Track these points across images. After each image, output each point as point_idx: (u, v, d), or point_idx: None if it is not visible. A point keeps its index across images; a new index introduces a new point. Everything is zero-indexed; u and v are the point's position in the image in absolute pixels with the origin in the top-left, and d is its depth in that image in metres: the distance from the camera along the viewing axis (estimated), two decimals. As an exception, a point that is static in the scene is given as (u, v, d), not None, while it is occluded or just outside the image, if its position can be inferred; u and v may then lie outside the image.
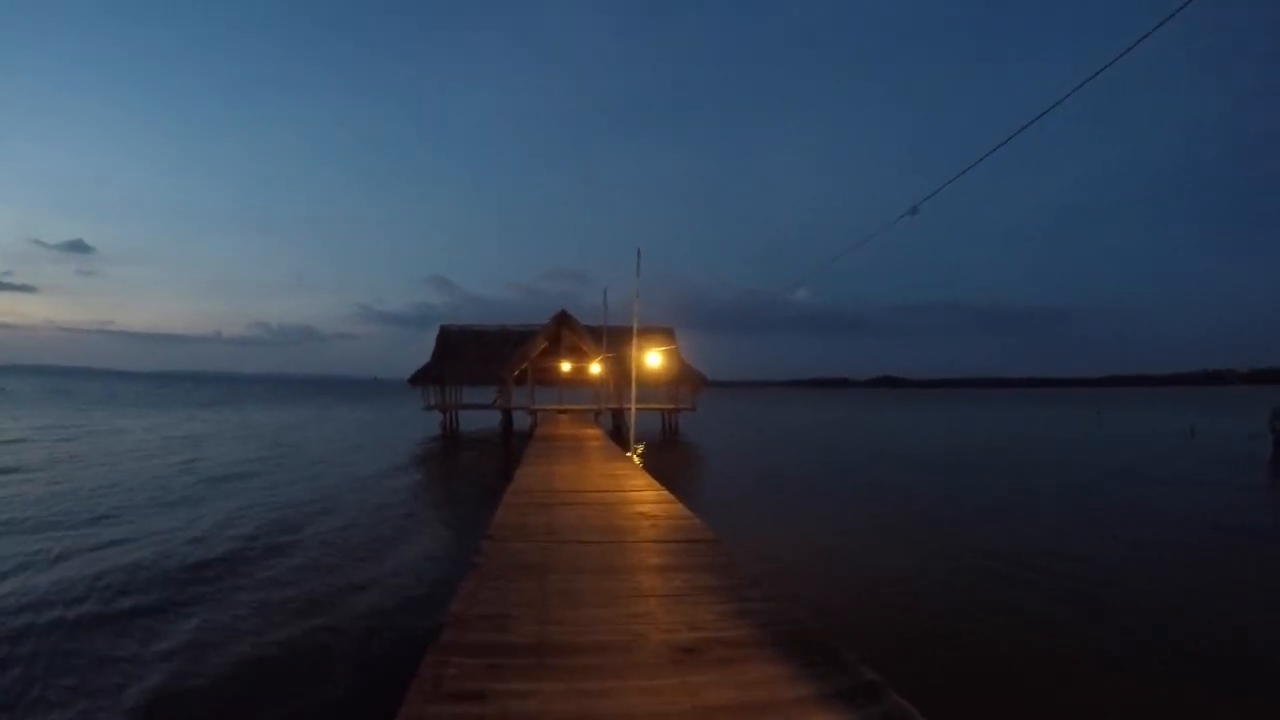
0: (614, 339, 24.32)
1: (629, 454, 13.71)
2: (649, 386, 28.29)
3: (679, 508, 6.90)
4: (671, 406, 29.18)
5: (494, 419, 28.99)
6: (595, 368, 23.75)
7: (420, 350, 29.79)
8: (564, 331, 27.97)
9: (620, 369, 26.77)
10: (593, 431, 18.08)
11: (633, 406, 11.79)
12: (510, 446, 21.53)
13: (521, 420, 28.65)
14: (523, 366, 27.60)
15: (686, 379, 29.12)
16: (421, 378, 28.00)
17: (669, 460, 18.63)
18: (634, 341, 10.90)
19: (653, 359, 10.28)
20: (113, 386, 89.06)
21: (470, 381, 28.54)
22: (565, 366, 27.73)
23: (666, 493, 7.96)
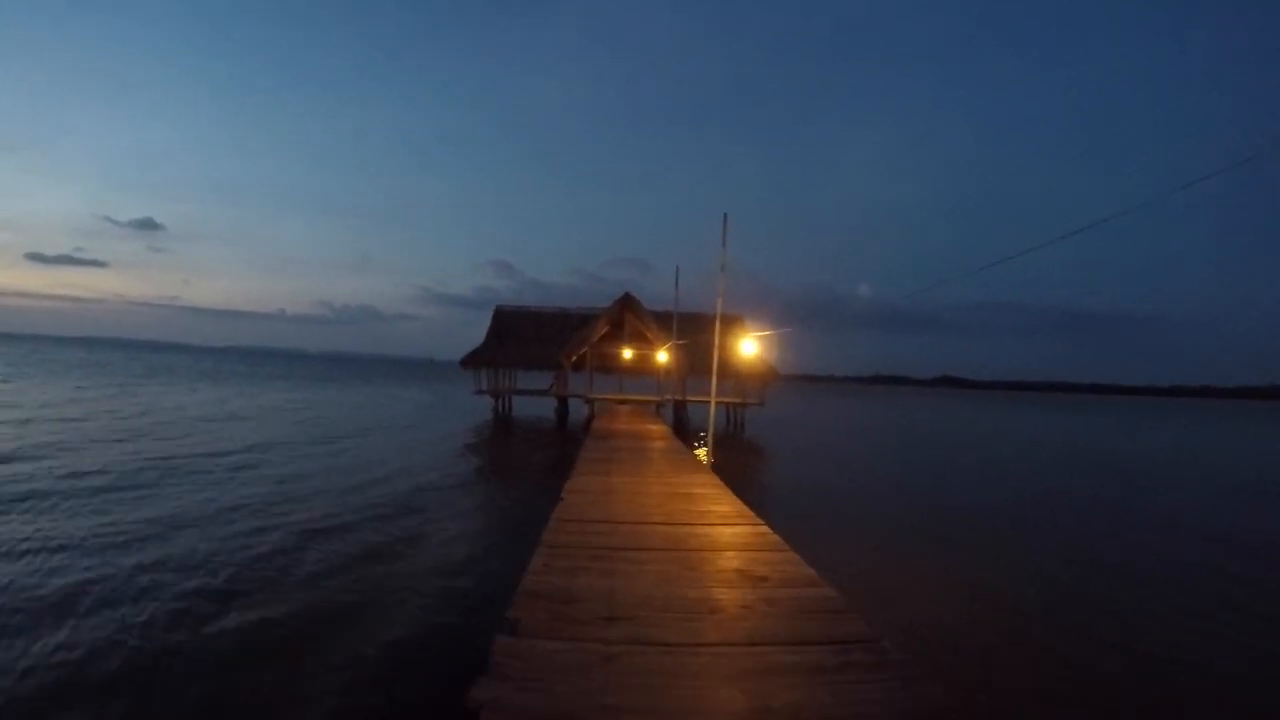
0: (683, 326, 22.15)
1: (695, 449, 11.57)
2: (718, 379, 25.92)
3: (798, 564, 4.65)
4: (739, 400, 26.75)
5: (549, 406, 27.39)
6: (662, 356, 21.62)
7: (480, 333, 28.48)
8: (628, 316, 25.94)
9: (690, 358, 24.51)
10: (656, 427, 15.96)
11: (712, 400, 9.56)
12: (565, 438, 19.74)
13: (578, 409, 26.91)
14: (581, 351, 25.78)
15: (756, 371, 26.58)
16: (474, 360, 26.64)
17: (740, 465, 16.29)
18: (717, 324, 8.65)
19: (748, 347, 8.02)
20: (202, 362, 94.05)
21: (525, 366, 27.00)
22: (627, 354, 25.70)
23: (766, 528, 5.72)
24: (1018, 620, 6.36)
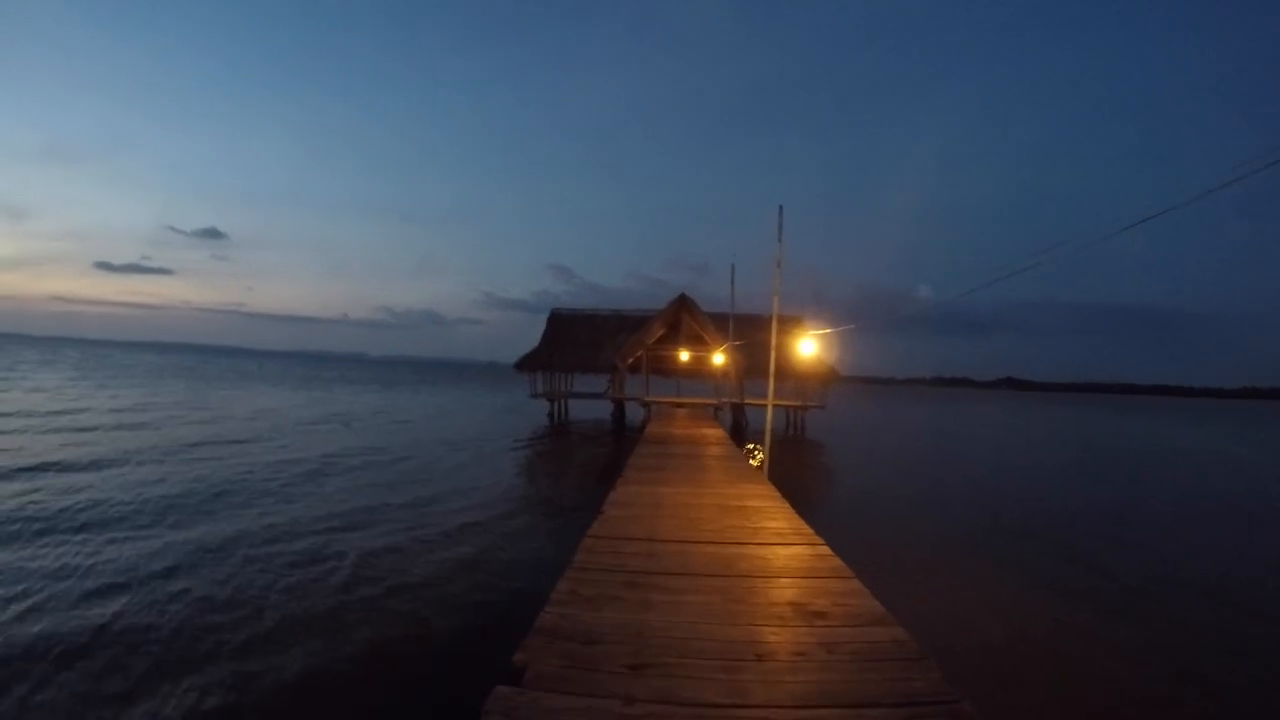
0: (739, 327, 21.42)
1: (751, 453, 10.95)
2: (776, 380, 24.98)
3: (863, 595, 4.04)
4: (799, 403, 25.72)
5: (605, 409, 27.19)
6: (718, 358, 20.97)
7: (539, 336, 28.57)
8: (684, 317, 25.39)
9: (748, 360, 23.75)
10: (712, 432, 15.37)
11: (769, 403, 8.94)
12: (621, 442, 19.39)
13: (635, 413, 26.57)
14: (637, 354, 25.44)
15: (816, 372, 25.46)
16: (529, 363, 26.74)
17: (799, 473, 15.44)
18: (774, 321, 8.03)
19: (806, 346, 7.37)
20: (291, 367, 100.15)
21: (581, 368, 26.88)
22: (684, 356, 25.14)
23: (826, 549, 5.11)
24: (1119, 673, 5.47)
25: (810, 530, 5.74)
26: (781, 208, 8.96)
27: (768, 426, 9.16)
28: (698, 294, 26.47)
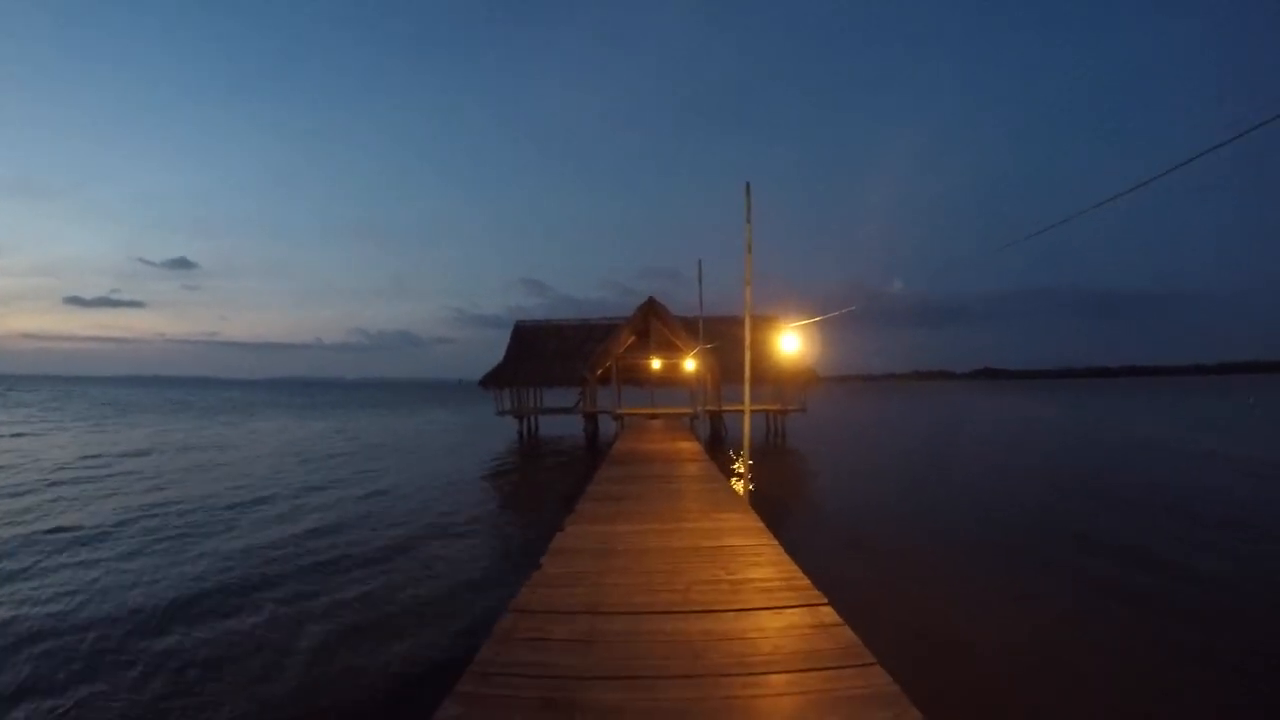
0: (711, 330, 20.22)
1: (731, 470, 9.66)
2: (753, 384, 23.78)
3: (893, 703, 2.72)
4: (778, 407, 24.56)
5: (578, 424, 25.72)
6: (690, 363, 19.72)
7: (508, 352, 27.00)
8: (653, 322, 24.07)
9: (722, 364, 22.52)
10: (688, 445, 14.06)
11: (746, 409, 7.65)
12: (595, 459, 17.89)
13: (609, 426, 25.16)
14: (606, 365, 24.05)
15: (796, 374, 24.36)
16: (494, 379, 25.16)
17: (783, 489, 14.15)
18: (747, 316, 6.76)
19: (789, 342, 6.09)
20: (252, 394, 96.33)
21: (549, 383, 25.39)
22: (655, 364, 23.81)
23: (829, 610, 3.80)
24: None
25: (807, 581, 4.42)
26: (749, 185, 7.74)
27: (745, 438, 7.80)
28: (673, 301, 24.99)
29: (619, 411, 23.58)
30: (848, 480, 15.73)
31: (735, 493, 8.12)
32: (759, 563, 4.92)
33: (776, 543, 5.52)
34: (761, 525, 6.21)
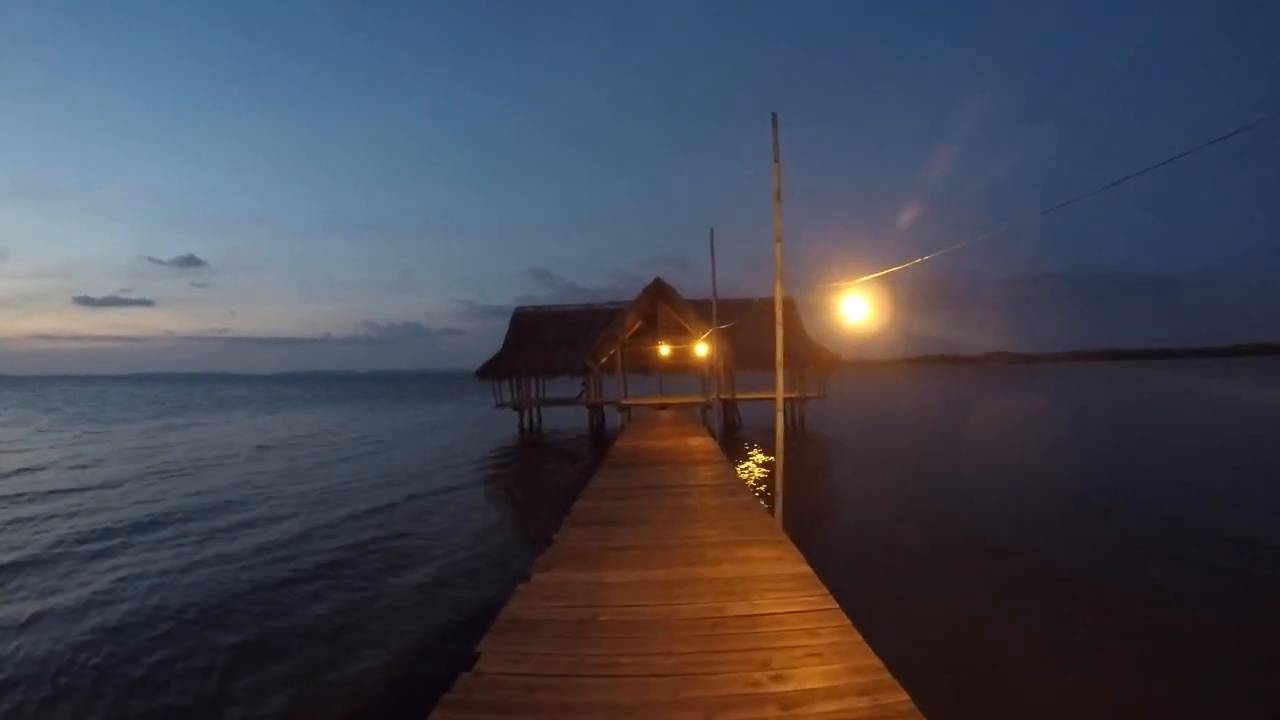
0: (723, 313, 18.39)
1: (752, 471, 7.95)
2: (758, 370, 21.95)
3: None
4: (795, 394, 22.67)
5: (583, 414, 24.06)
6: (701, 348, 17.96)
7: (512, 342, 25.17)
8: (660, 306, 22.27)
9: (736, 348, 20.68)
10: (700, 442, 12.36)
11: (779, 397, 5.88)
12: (601, 456, 16.00)
13: (615, 418, 23.46)
14: (610, 352, 22.31)
15: (813, 359, 22.49)
16: (490, 370, 23.49)
17: (807, 492, 12.27)
18: (778, 281, 5.00)
19: (854, 306, 4.33)
20: (260, 390, 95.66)
21: (551, 372, 23.72)
22: (664, 350, 22.04)
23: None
24: None
25: (894, 684, 2.70)
26: (775, 115, 5.98)
27: (779, 440, 5.89)
28: (681, 288, 22.92)
29: (625, 402, 21.90)
30: (878, 475, 13.81)
31: (763, 512, 6.40)
32: (817, 650, 3.19)
33: (834, 603, 3.79)
34: (809, 569, 4.47)
